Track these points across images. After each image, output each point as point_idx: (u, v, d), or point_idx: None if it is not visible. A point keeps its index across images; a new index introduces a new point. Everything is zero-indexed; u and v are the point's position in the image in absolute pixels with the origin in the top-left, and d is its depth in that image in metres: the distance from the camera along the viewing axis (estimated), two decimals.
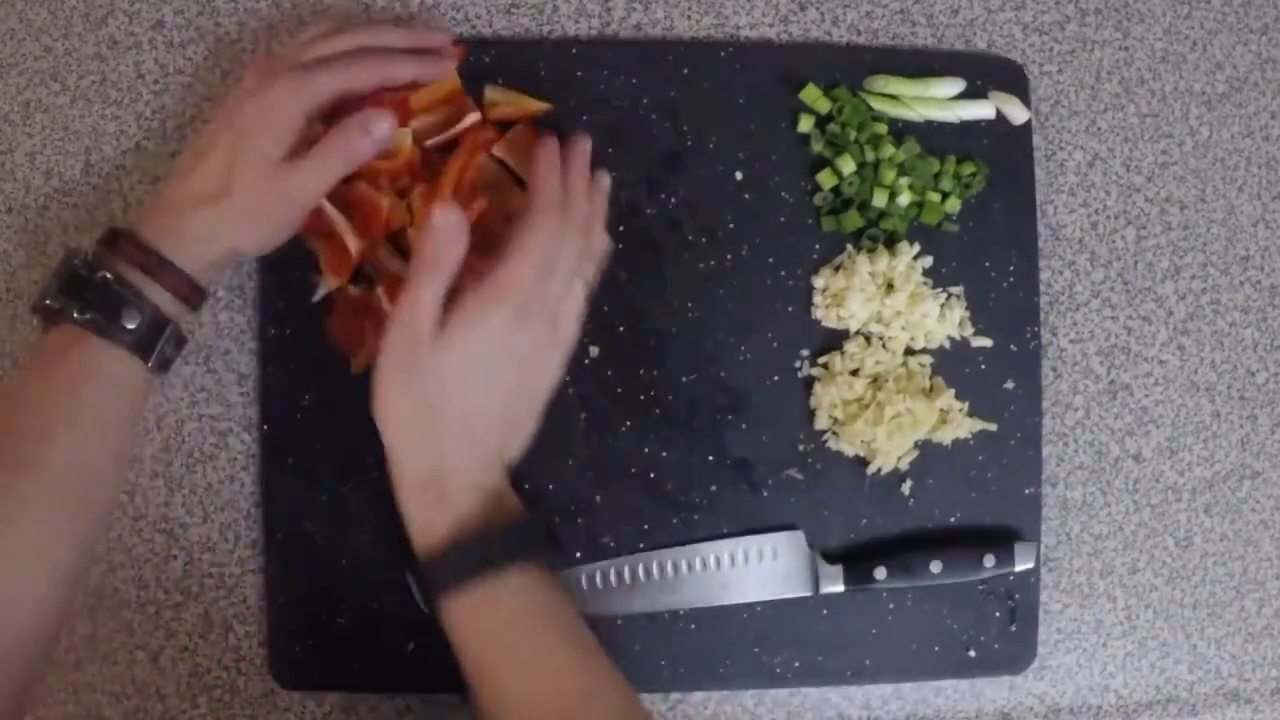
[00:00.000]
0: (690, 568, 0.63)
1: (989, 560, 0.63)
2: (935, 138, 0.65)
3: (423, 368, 0.52)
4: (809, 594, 0.63)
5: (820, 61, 0.66)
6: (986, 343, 0.65)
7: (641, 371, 0.64)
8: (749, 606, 0.63)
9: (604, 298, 0.62)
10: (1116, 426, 0.68)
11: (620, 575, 0.63)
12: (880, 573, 0.62)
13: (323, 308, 0.63)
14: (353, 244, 0.60)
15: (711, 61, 0.65)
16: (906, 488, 0.65)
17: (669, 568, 0.63)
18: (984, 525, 0.65)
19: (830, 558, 0.63)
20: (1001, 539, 0.64)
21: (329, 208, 0.60)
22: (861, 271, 0.63)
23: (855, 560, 0.63)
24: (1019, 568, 0.63)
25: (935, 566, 0.62)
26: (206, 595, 0.64)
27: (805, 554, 0.63)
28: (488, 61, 0.64)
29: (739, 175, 0.65)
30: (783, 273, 0.65)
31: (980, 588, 0.65)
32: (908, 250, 0.64)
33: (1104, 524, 0.68)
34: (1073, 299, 0.68)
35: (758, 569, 0.63)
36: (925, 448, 0.65)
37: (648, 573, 0.63)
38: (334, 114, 0.57)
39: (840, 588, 0.63)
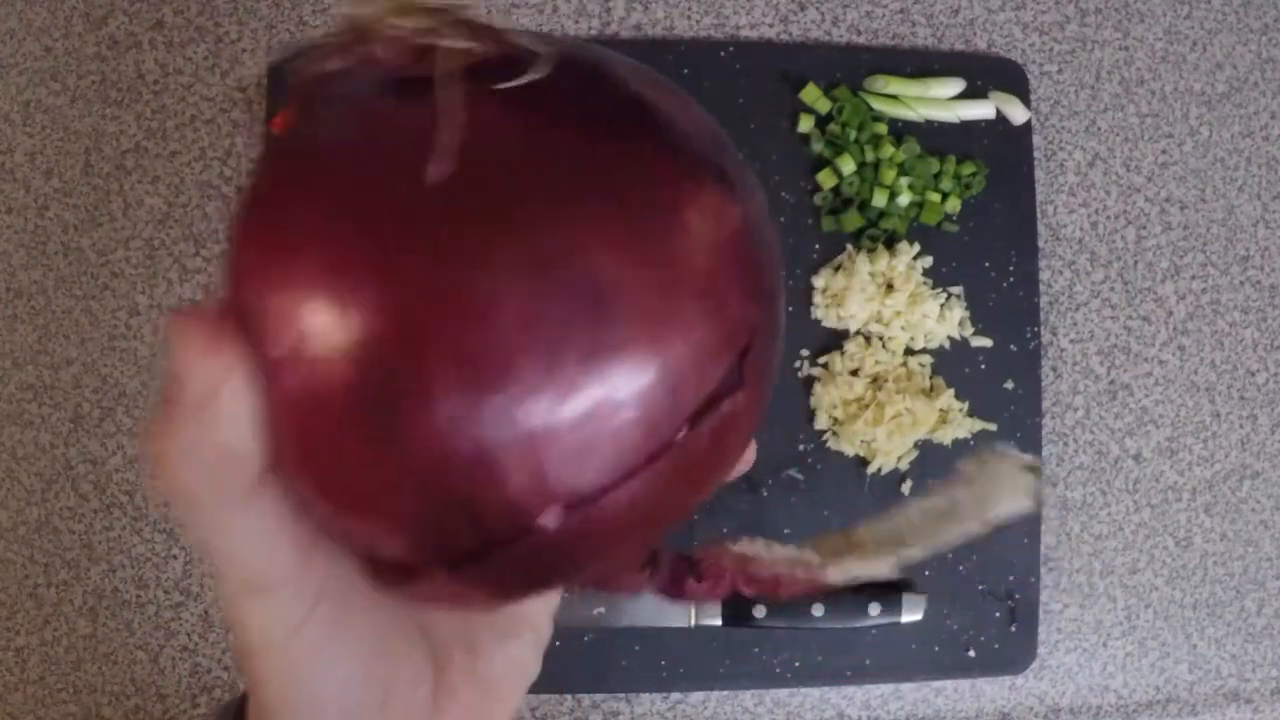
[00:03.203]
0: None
1: (874, 609, 0.63)
2: (935, 138, 0.65)
3: None
4: (686, 625, 0.63)
5: (820, 61, 0.66)
6: (986, 343, 0.65)
7: None
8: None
9: None
10: (1116, 426, 0.68)
11: None
12: (759, 611, 0.63)
13: None
14: None
15: (711, 61, 0.65)
16: (906, 488, 0.65)
17: None
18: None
19: None
20: (891, 589, 0.64)
21: None
22: (861, 271, 0.63)
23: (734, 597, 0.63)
24: (905, 619, 0.63)
25: (818, 610, 0.62)
26: (206, 595, 0.64)
27: None
28: None
29: None
30: (782, 272, 0.65)
31: (980, 587, 0.65)
32: (908, 250, 0.64)
33: (1104, 524, 0.68)
34: (1073, 299, 0.68)
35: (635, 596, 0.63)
36: (925, 448, 0.65)
37: None
38: None
39: (718, 622, 0.63)
